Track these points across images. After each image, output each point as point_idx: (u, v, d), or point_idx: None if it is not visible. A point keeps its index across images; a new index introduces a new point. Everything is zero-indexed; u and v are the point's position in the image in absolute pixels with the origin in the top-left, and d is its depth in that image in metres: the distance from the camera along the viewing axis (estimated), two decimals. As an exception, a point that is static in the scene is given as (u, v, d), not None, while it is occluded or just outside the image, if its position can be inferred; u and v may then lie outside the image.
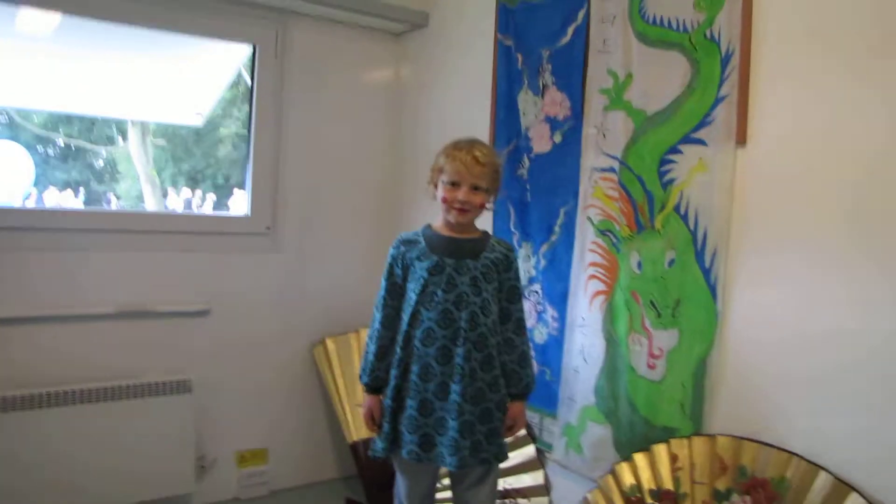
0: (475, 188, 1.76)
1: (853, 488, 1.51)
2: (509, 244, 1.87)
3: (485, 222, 2.35)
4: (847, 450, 1.56)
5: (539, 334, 2.36)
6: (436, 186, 1.81)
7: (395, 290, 1.82)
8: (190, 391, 2.57)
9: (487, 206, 1.80)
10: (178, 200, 3.56)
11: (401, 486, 1.89)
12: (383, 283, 1.83)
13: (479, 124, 2.62)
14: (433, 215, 1.90)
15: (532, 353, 1.88)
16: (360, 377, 1.89)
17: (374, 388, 1.85)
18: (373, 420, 1.85)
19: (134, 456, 2.44)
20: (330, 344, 2.89)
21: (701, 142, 1.86)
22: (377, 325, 1.85)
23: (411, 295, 1.78)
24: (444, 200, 1.77)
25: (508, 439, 1.90)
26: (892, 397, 1.53)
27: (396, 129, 3.17)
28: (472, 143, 1.77)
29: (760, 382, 1.76)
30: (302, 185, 2.94)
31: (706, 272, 1.84)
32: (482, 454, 1.77)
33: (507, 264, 1.82)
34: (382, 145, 3.16)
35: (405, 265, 1.81)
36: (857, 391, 1.56)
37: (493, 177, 1.77)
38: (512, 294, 1.83)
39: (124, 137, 3.56)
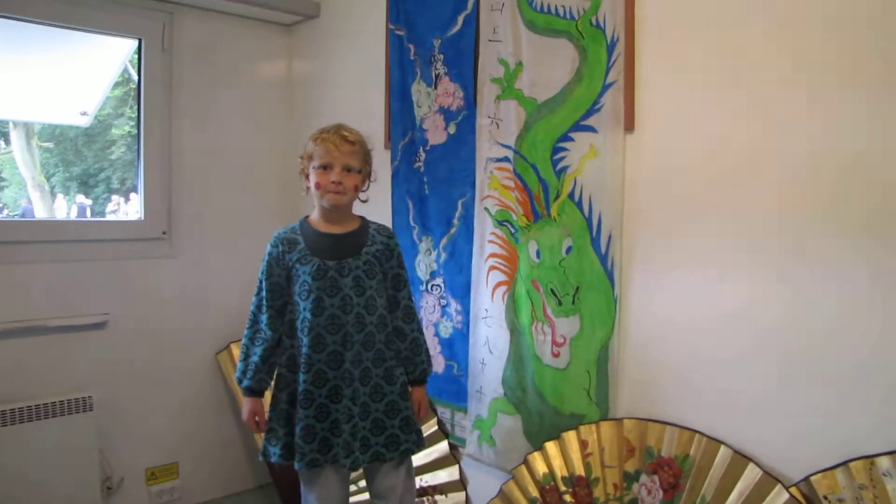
0: (347, 169, 1.72)
1: (750, 459, 1.55)
2: (389, 230, 1.84)
3: (383, 218, 2.28)
4: (745, 425, 1.59)
5: (444, 328, 2.32)
6: (307, 177, 1.77)
7: (276, 291, 1.76)
8: (91, 409, 2.41)
9: (362, 190, 1.76)
10: (69, 207, 3.33)
11: (309, 499, 1.80)
12: (262, 282, 1.76)
13: (373, 117, 2.54)
14: (303, 210, 1.86)
15: (423, 336, 1.85)
16: (240, 380, 1.80)
17: (257, 391, 1.78)
18: (256, 424, 1.79)
19: (35, 482, 2.27)
20: (235, 349, 2.77)
21: (591, 129, 1.84)
22: (262, 326, 1.76)
23: (297, 300, 1.74)
24: (318, 186, 1.72)
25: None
26: (784, 373, 1.55)
27: (292, 125, 3.06)
28: (338, 126, 1.75)
29: (661, 364, 1.76)
30: (197, 186, 2.81)
31: (603, 258, 1.85)
32: (402, 445, 1.78)
33: (389, 253, 1.79)
34: (279, 142, 3.05)
35: (287, 266, 1.76)
36: (753, 369, 1.58)
37: (364, 157, 1.74)
38: (397, 282, 1.80)
39: (6, 141, 3.31)
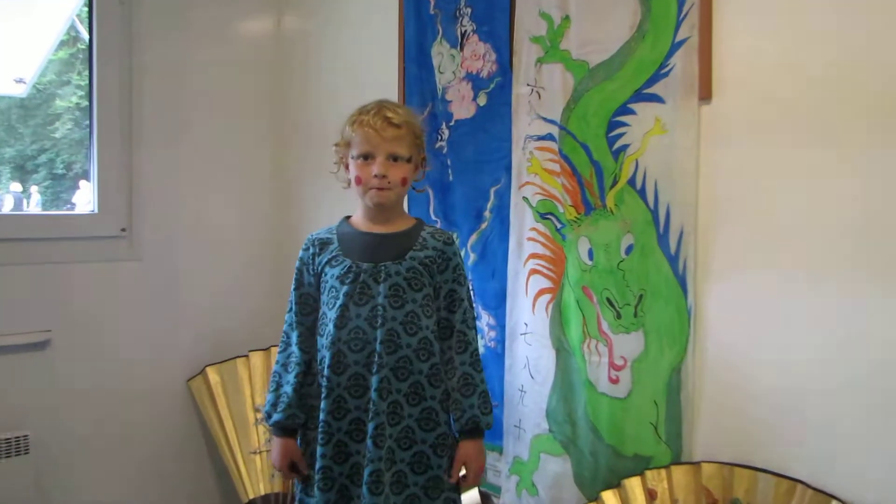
0: (393, 158, 1.75)
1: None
2: (448, 235, 1.86)
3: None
4: (859, 475, 1.55)
5: None
6: (346, 168, 1.81)
7: (307, 304, 1.83)
8: (27, 451, 2.43)
9: (415, 180, 1.82)
10: (0, 198, 3.36)
11: None
12: (292, 294, 1.84)
13: (384, 86, 2.54)
14: (347, 207, 1.87)
15: (480, 373, 1.82)
16: (268, 415, 1.83)
17: (290, 429, 1.81)
18: (291, 468, 1.83)
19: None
20: (212, 375, 2.81)
21: (657, 98, 1.85)
22: (294, 348, 1.82)
23: (325, 310, 1.79)
24: (358, 181, 1.76)
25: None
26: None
27: (282, 97, 3.09)
28: (380, 104, 1.78)
29: (750, 394, 1.74)
30: (167, 172, 2.83)
31: (672, 259, 1.85)
32: None
33: (444, 263, 1.80)
34: (267, 118, 3.09)
35: (317, 272, 1.81)
36: (868, 405, 1.54)
37: (413, 142, 1.78)
38: (452, 301, 1.81)
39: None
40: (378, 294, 1.73)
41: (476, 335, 1.85)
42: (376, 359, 1.71)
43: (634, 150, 1.90)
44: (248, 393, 2.79)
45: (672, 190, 1.85)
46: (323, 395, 1.74)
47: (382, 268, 1.74)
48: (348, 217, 1.86)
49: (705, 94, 1.78)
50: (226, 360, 2.85)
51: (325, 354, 1.75)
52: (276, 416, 1.80)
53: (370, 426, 1.71)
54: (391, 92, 2.54)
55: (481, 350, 2.27)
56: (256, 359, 2.83)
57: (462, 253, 2.32)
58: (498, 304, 2.26)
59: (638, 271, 1.91)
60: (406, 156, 1.75)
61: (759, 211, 1.73)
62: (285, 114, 3.08)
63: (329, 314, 1.75)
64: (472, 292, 2.29)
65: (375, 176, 1.73)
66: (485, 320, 2.32)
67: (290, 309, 1.84)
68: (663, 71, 1.84)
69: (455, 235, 2.37)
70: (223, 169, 2.98)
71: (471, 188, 2.32)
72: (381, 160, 1.72)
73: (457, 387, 1.78)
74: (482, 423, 1.78)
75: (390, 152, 1.73)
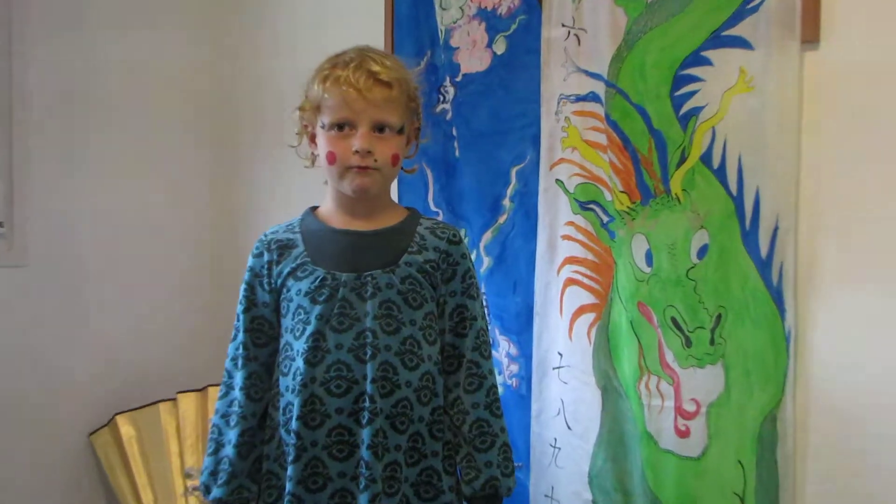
0: (380, 128, 1.69)
1: None
2: (453, 230, 1.81)
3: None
4: None
5: None
6: (312, 140, 1.76)
7: (261, 332, 1.77)
8: None
9: (408, 157, 1.80)
10: None
11: None
12: (239, 318, 1.78)
13: (363, 29, 2.52)
14: (314, 195, 1.82)
15: (500, 420, 1.75)
16: (205, 489, 1.77)
17: None
18: None
19: None
20: (125, 425, 2.79)
21: (741, 42, 1.84)
22: (237, 393, 1.76)
23: (289, 339, 1.73)
24: (332, 159, 1.70)
25: None
26: None
27: (223, 49, 3.11)
28: (362, 53, 1.72)
29: (873, 452, 1.72)
30: (59, 152, 2.83)
31: (763, 265, 1.84)
32: None
33: (450, 268, 1.77)
34: (207, 77, 3.10)
35: (276, 287, 1.75)
36: None
37: (406, 105, 1.74)
38: (461, 321, 1.78)
39: None
40: (365, 315, 1.68)
41: (493, 367, 1.81)
42: (367, 404, 1.66)
43: (710, 114, 1.90)
44: (176, 450, 2.77)
45: (763, 169, 1.84)
46: (290, 459, 1.67)
47: (369, 279, 1.69)
48: (315, 208, 1.81)
49: (810, 36, 1.77)
50: (144, 406, 2.83)
51: (292, 401, 1.68)
52: (216, 492, 1.75)
53: (363, 499, 1.67)
54: (374, 36, 2.51)
55: (499, 391, 2.25)
56: (188, 403, 2.80)
57: (471, 256, 2.30)
58: (521, 328, 2.25)
59: (715, 282, 1.91)
60: (397, 125, 1.70)
61: (887, 198, 1.71)
62: (228, 72, 3.08)
63: (296, 345, 1.69)
64: (486, 309, 2.28)
65: (356, 152, 1.67)
66: (503, 349, 2.30)
67: (236, 337, 1.77)
68: (751, 5, 1.82)
69: (463, 233, 2.35)
70: (138, 148, 3.00)
71: (484, 168, 2.33)
72: (365, 131, 1.66)
73: (469, 437, 1.74)
74: (502, 488, 1.74)
75: (377, 120, 1.67)
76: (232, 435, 1.74)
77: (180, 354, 2.96)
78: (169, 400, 2.83)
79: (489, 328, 2.25)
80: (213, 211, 3.15)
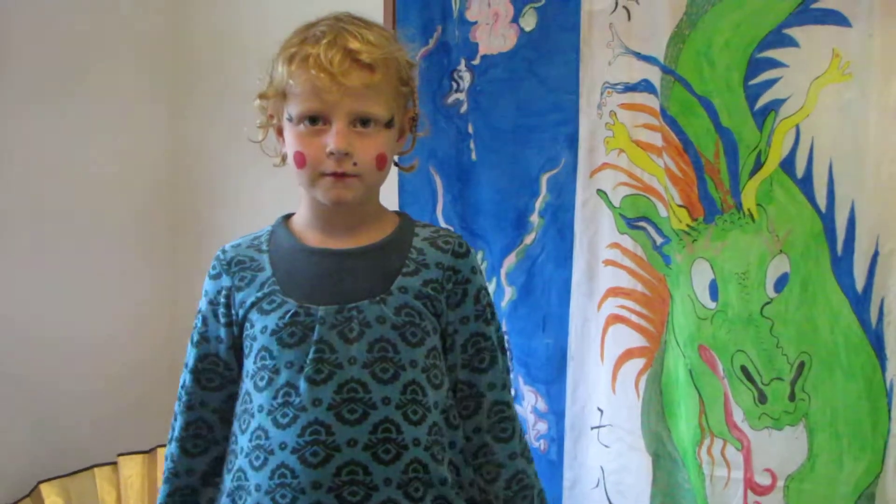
0: (362, 121, 1.63)
1: None
2: (458, 240, 1.74)
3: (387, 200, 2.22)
4: None
5: None
6: (279, 133, 1.71)
7: (213, 371, 1.72)
8: None
9: (402, 153, 1.77)
10: None
11: None
12: (190, 353, 1.74)
13: (357, 6, 2.46)
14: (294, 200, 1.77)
15: (532, 469, 1.75)
16: None
17: None
18: None
19: None
20: (51, 496, 2.74)
21: (836, 17, 1.82)
22: (171, 445, 1.72)
23: (249, 389, 1.67)
24: (301, 161, 1.63)
25: None
26: None
27: (179, 22, 3.13)
28: (338, 25, 1.65)
29: None
30: None
31: (859, 301, 1.82)
32: None
33: (458, 288, 1.70)
34: (153, 55, 3.13)
35: (237, 318, 1.69)
36: None
37: (396, 90, 1.67)
38: (478, 352, 1.72)
39: None
40: (351, 361, 1.62)
41: (515, 406, 1.80)
42: (361, 477, 1.60)
43: (794, 108, 1.88)
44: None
45: (860, 179, 1.81)
46: None
47: (354, 313, 1.64)
48: (288, 217, 1.76)
49: None
50: (76, 472, 2.80)
51: (245, 469, 1.66)
52: None
53: None
54: (373, 7, 2.48)
55: None
56: (132, 468, 2.78)
57: (491, 284, 2.30)
58: (552, 377, 2.22)
59: (798, 321, 1.89)
60: (384, 117, 1.64)
61: None
62: (186, 51, 3.12)
63: (258, 399, 1.63)
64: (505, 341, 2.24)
65: (331, 153, 1.61)
66: (528, 403, 2.27)
67: (185, 377, 1.75)
68: None
69: (480, 256, 2.34)
70: (76, 138, 2.99)
71: (508, 175, 2.29)
72: (342, 127, 1.60)
73: (507, 496, 1.72)
74: None
75: (357, 112, 1.62)
76: (161, 495, 1.72)
77: (123, 405, 2.95)
78: (107, 465, 2.81)
79: (515, 376, 2.28)
80: (172, 214, 3.17)
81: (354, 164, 1.59)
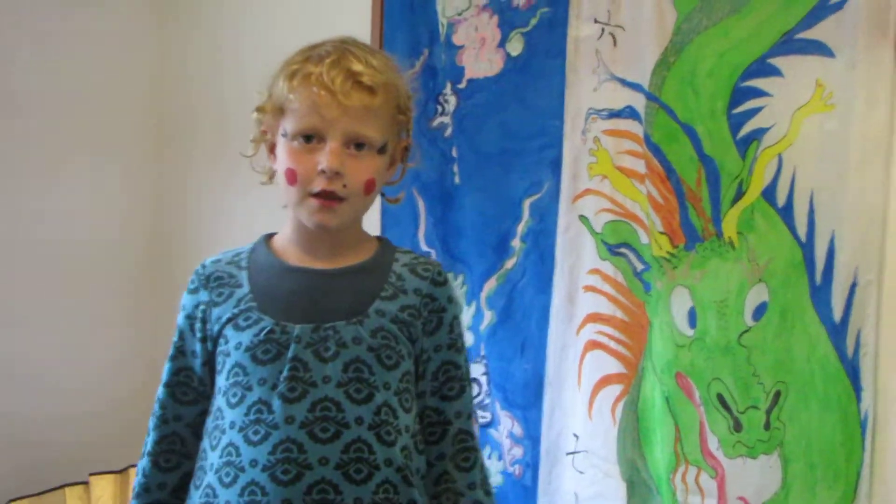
0: (357, 145, 1.63)
1: None
2: (437, 267, 1.75)
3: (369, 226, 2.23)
4: None
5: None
6: (271, 150, 1.71)
7: (187, 385, 1.71)
8: None
9: (390, 183, 1.75)
10: None
11: None
12: (166, 367, 1.73)
13: (345, 20, 2.51)
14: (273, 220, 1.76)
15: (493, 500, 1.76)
16: None
17: None
18: None
19: None
20: None
21: (820, 47, 1.84)
22: (143, 460, 1.71)
23: (221, 405, 1.66)
24: (292, 178, 1.63)
25: None
26: None
27: (169, 46, 3.13)
28: (343, 47, 1.66)
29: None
30: None
31: (836, 330, 1.82)
32: None
33: (434, 317, 1.71)
34: (140, 81, 3.13)
35: (212, 334, 1.69)
36: None
37: (393, 118, 1.67)
38: (448, 380, 1.73)
39: None
40: (325, 380, 1.62)
41: (478, 436, 1.81)
42: (332, 496, 1.60)
43: (777, 137, 1.90)
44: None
45: (840, 209, 1.82)
46: None
47: (330, 332, 1.64)
48: (271, 236, 1.76)
49: None
50: (47, 491, 2.79)
51: (213, 485, 1.65)
52: None
53: None
54: (360, 29, 2.50)
55: (497, 480, 2.25)
56: (103, 488, 2.76)
57: (471, 309, 2.31)
58: (529, 402, 2.22)
59: (775, 350, 1.89)
60: (378, 142, 1.64)
61: None
62: (174, 76, 3.11)
63: (230, 415, 1.63)
64: (486, 377, 2.27)
65: (323, 171, 1.61)
66: (504, 428, 2.26)
67: (160, 391, 1.75)
68: (832, 1, 1.81)
69: (461, 280, 2.33)
70: (54, 152, 2.99)
71: (490, 199, 2.30)
72: (336, 146, 1.60)
73: None
74: None
75: (352, 134, 1.61)
76: None
77: (95, 424, 2.93)
78: (78, 484, 2.80)
79: (492, 401, 2.27)
80: (154, 235, 3.18)
81: (344, 185, 1.60)
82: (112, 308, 3.10)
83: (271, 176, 1.69)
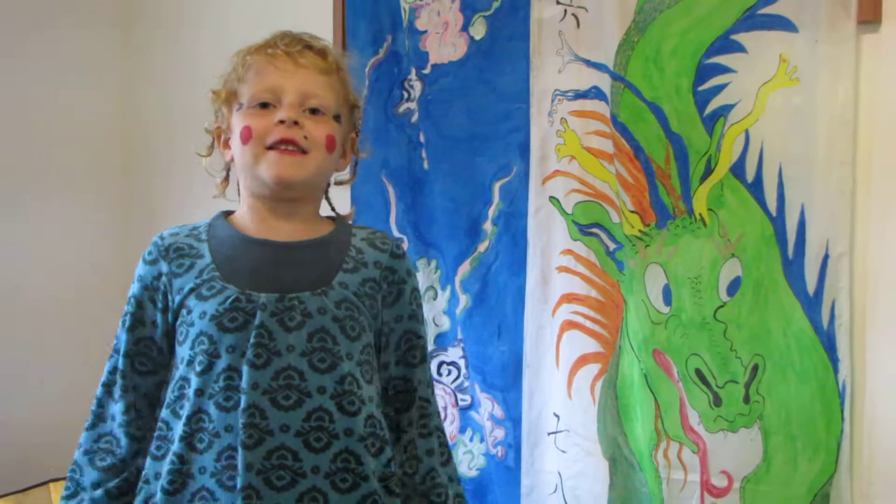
0: (312, 110, 1.65)
1: None
2: (394, 242, 1.78)
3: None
4: None
5: (466, 456, 2.31)
6: (225, 145, 1.72)
7: (147, 356, 1.71)
8: None
9: (338, 171, 1.76)
10: None
11: None
12: (119, 338, 1.72)
13: (306, 11, 2.51)
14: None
15: (452, 467, 1.78)
16: None
17: None
18: None
19: None
20: None
21: (783, 23, 1.85)
22: (113, 426, 1.69)
23: (185, 374, 1.65)
24: (247, 135, 1.63)
25: None
26: None
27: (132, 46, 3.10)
28: (294, 32, 1.72)
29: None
30: None
31: (811, 303, 1.83)
32: None
33: (394, 288, 1.74)
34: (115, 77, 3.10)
35: (173, 305, 1.68)
36: None
37: (344, 97, 1.72)
38: (410, 349, 1.76)
39: None
40: (289, 349, 1.62)
41: (437, 403, 1.83)
42: (290, 462, 1.60)
43: (743, 113, 1.90)
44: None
45: (809, 182, 1.83)
46: None
47: (295, 302, 1.64)
48: (228, 213, 1.76)
49: (870, 15, 1.75)
50: (31, 487, 2.79)
51: (183, 454, 1.64)
52: None
53: None
54: (321, 19, 2.50)
55: (481, 462, 2.26)
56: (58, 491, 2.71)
57: (445, 294, 2.31)
58: (508, 384, 2.22)
59: (751, 324, 1.90)
60: (332, 108, 1.66)
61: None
62: (139, 74, 3.09)
63: (196, 383, 1.62)
64: (464, 360, 2.28)
65: (281, 122, 1.61)
66: (485, 410, 2.26)
67: (112, 361, 1.72)
68: None
69: (434, 264, 2.33)
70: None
71: (460, 183, 2.30)
72: (293, 100, 1.63)
73: (422, 489, 1.75)
74: None
75: (307, 91, 1.64)
76: (95, 473, 1.68)
77: (62, 425, 2.86)
78: (45, 484, 2.82)
79: (470, 386, 2.27)
80: (121, 235, 3.15)
81: (305, 137, 1.61)
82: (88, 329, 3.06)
83: (228, 168, 1.72)
